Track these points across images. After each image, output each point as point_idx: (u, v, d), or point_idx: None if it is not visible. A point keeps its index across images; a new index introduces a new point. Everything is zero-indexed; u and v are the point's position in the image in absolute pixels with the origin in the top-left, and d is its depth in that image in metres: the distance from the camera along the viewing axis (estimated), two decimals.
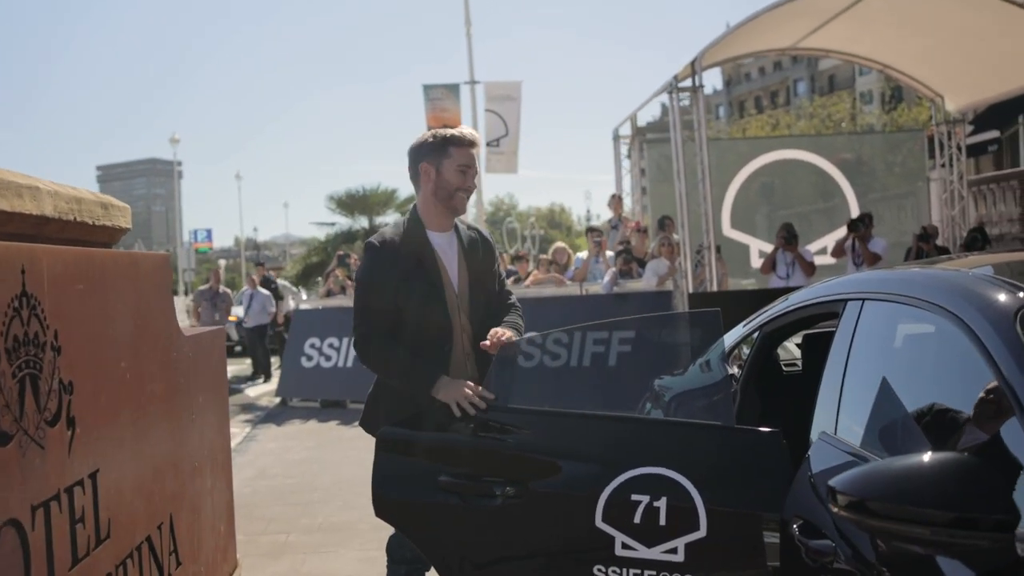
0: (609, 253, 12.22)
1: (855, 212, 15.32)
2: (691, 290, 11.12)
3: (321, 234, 19.28)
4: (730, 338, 3.82)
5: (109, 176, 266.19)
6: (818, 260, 14.78)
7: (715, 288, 11.21)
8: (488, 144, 20.03)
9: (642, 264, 11.94)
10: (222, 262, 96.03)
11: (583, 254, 12.42)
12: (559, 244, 12.95)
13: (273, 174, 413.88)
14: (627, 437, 3.13)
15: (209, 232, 56.02)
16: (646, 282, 11.48)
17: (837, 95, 64.98)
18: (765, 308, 3.81)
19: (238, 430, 12.01)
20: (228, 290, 15.17)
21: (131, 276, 3.19)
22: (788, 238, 11.37)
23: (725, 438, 2.99)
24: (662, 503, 2.86)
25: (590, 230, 12.46)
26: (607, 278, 11.64)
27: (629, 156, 15.64)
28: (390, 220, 19.67)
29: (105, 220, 3.64)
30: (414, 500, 3.32)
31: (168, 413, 3.50)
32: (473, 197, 4.20)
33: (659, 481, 2.89)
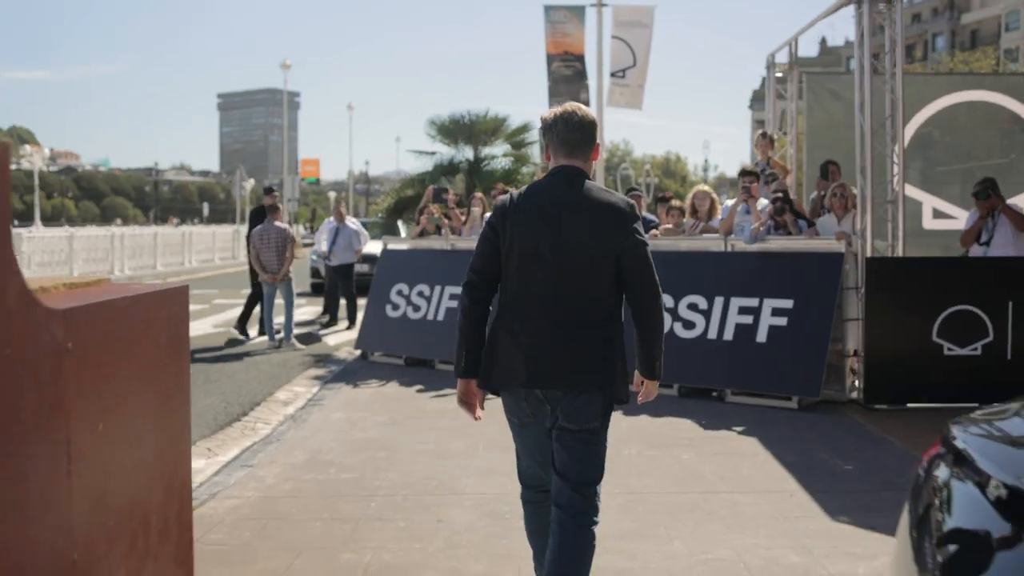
0: (764, 201, 9.88)
1: None
2: (870, 253, 8.72)
3: (421, 165, 17.20)
4: None
5: (229, 104, 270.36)
6: None
7: (900, 252, 8.78)
8: (613, 75, 18.02)
9: (801, 218, 9.58)
10: (332, 194, 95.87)
11: (731, 201, 10.10)
12: (702, 187, 10.59)
13: (387, 108, 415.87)
14: None
15: (316, 163, 54.79)
16: (806, 242, 9.13)
17: (981, 50, 60.15)
18: None
19: (304, 389, 10.19)
20: (285, 226, 13.17)
21: None
22: (998, 196, 8.86)
23: None
24: None
25: (744, 173, 10.12)
26: (748, 231, 9.32)
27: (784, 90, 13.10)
28: (498, 151, 17.67)
29: None
30: None
31: None
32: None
33: None
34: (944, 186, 12.42)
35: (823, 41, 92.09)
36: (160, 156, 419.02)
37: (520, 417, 3.79)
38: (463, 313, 3.73)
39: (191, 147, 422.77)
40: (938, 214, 12.42)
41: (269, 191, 14.12)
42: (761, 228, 9.29)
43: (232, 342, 13.74)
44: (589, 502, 3.68)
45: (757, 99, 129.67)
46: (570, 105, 3.71)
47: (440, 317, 11.31)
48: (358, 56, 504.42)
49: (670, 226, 10.15)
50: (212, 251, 36.81)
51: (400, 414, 8.69)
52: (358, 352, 12.10)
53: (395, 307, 11.78)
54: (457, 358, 3.77)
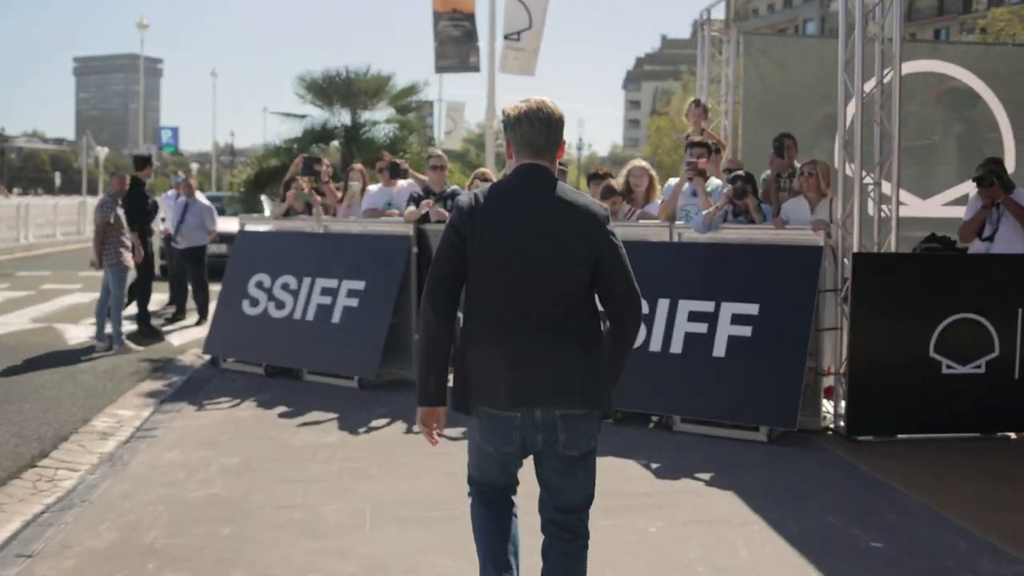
0: (716, 181, 8.06)
1: (1011, 154, 11.25)
2: (856, 248, 6.99)
3: (289, 130, 14.65)
4: None
5: (86, 69, 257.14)
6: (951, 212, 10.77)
7: (893, 247, 7.08)
8: (506, 37, 16.21)
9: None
10: (195, 166, 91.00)
11: (673, 180, 8.21)
12: (639, 163, 8.60)
13: (255, 76, 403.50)
14: None
15: (175, 131, 51.04)
16: (775, 232, 7.37)
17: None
18: None
19: (132, 412, 7.92)
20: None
21: None
22: (1004, 182, 7.27)
23: None
24: None
25: (693, 144, 8.24)
26: (699, 218, 7.52)
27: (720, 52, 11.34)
28: (381, 116, 15.33)
29: None
30: None
31: None
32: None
33: None
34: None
35: (695, 23, 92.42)
36: (9, 122, 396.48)
37: (503, 446, 3.41)
38: (429, 329, 3.37)
39: (45, 113, 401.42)
40: (886, 199, 10.90)
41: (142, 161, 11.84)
42: (717, 214, 7.46)
43: (55, 344, 11.17)
44: (585, 523, 3.57)
45: (631, 79, 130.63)
46: (536, 101, 3.43)
47: (310, 316, 9.14)
48: (224, 20, 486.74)
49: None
50: (54, 225, 33.17)
51: (256, 453, 6.53)
52: (207, 357, 9.82)
53: (254, 303, 9.53)
54: (422, 383, 3.41)
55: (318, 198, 9.70)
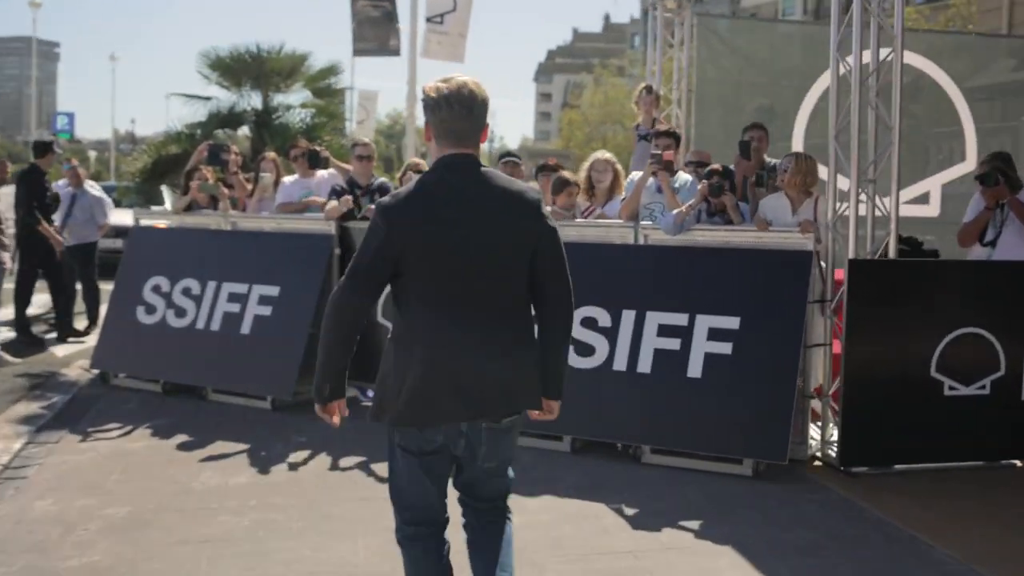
0: (684, 176, 7.15)
1: (972, 148, 10.63)
2: (852, 253, 6.14)
3: (192, 114, 13.14)
4: None
5: None
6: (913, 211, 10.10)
7: (892, 253, 6.22)
8: (429, 20, 15.23)
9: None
10: (93, 154, 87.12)
11: (636, 174, 7.24)
12: (603, 155, 7.51)
13: (157, 61, 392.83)
14: None
15: (71, 117, 48.46)
16: (757, 235, 6.48)
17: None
18: None
19: (1, 445, 6.63)
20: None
21: None
22: (1010, 181, 6.52)
23: None
24: None
25: (659, 134, 7.27)
26: (669, 218, 6.59)
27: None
28: (296, 100, 13.89)
29: None
30: None
31: None
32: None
33: None
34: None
35: (607, 17, 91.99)
36: None
37: (426, 447, 3.16)
38: (337, 324, 3.11)
39: None
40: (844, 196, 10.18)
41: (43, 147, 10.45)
42: (689, 213, 6.53)
43: None
44: (505, 502, 3.45)
45: (543, 72, 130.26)
46: (456, 82, 3.14)
47: (215, 327, 7.95)
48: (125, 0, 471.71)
49: (558, 208, 7.17)
50: None
51: (149, 501, 5.37)
52: (96, 372, 8.53)
53: (150, 310, 8.28)
54: (320, 382, 3.16)
55: (225, 190, 8.49)
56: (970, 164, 10.29)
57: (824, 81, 9.47)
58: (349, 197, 7.62)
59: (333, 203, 7.71)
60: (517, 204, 3.16)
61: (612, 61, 62.37)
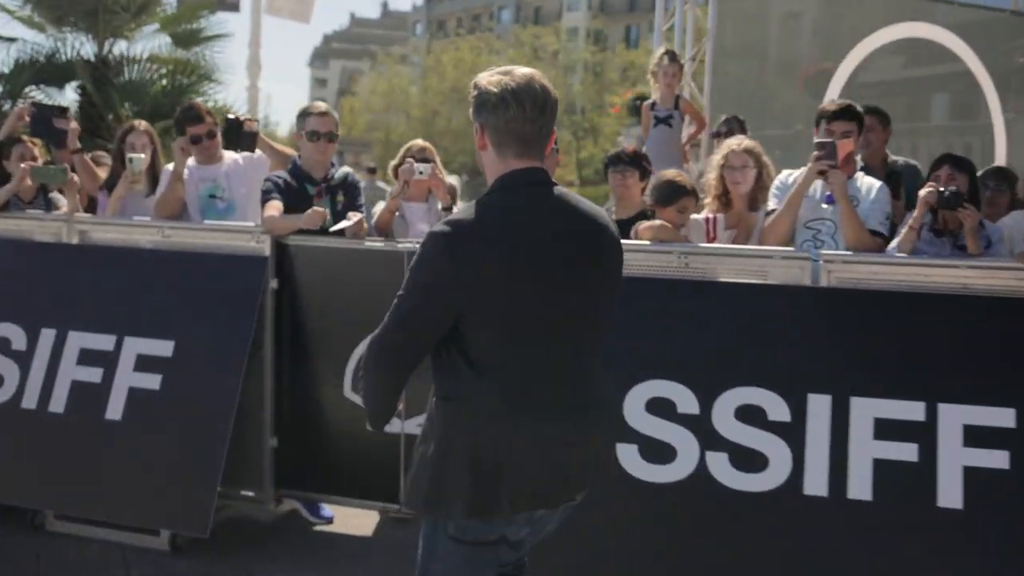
0: (869, 180, 4.62)
1: (1002, 145, 8.89)
2: None
3: None
4: None
5: None
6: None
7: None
8: None
9: None
10: None
11: (790, 175, 4.52)
12: (741, 142, 4.62)
13: None
14: None
15: None
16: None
17: (552, 27, 61.21)
18: None
19: None
20: None
21: None
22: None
23: None
24: None
25: (836, 115, 4.48)
26: (897, 242, 4.09)
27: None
28: (142, 48, 10.05)
29: None
30: None
31: None
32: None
33: None
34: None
35: (385, 4, 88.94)
36: None
37: (485, 537, 2.49)
38: (379, 391, 2.57)
39: None
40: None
41: None
42: (914, 235, 4.03)
43: None
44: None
45: (318, 56, 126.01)
46: (521, 73, 2.44)
47: (57, 407, 4.74)
48: None
49: (667, 224, 4.39)
50: None
51: None
52: None
53: None
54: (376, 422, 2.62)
55: (74, 178, 5.19)
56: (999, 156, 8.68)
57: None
58: (323, 210, 4.68)
59: (272, 211, 4.71)
60: (604, 236, 2.55)
61: (395, 49, 60.80)
